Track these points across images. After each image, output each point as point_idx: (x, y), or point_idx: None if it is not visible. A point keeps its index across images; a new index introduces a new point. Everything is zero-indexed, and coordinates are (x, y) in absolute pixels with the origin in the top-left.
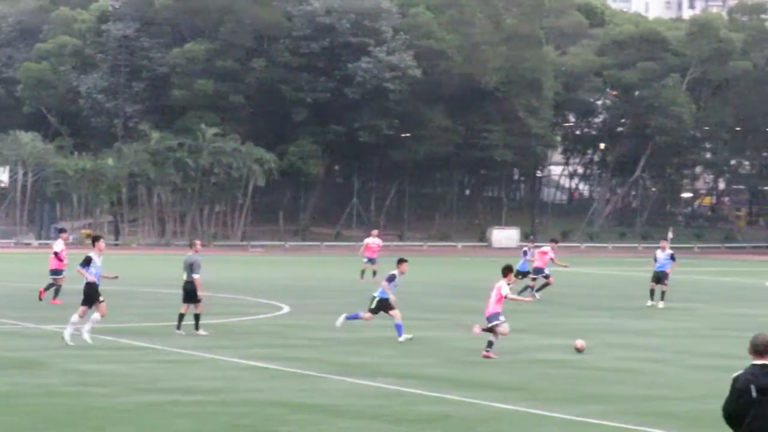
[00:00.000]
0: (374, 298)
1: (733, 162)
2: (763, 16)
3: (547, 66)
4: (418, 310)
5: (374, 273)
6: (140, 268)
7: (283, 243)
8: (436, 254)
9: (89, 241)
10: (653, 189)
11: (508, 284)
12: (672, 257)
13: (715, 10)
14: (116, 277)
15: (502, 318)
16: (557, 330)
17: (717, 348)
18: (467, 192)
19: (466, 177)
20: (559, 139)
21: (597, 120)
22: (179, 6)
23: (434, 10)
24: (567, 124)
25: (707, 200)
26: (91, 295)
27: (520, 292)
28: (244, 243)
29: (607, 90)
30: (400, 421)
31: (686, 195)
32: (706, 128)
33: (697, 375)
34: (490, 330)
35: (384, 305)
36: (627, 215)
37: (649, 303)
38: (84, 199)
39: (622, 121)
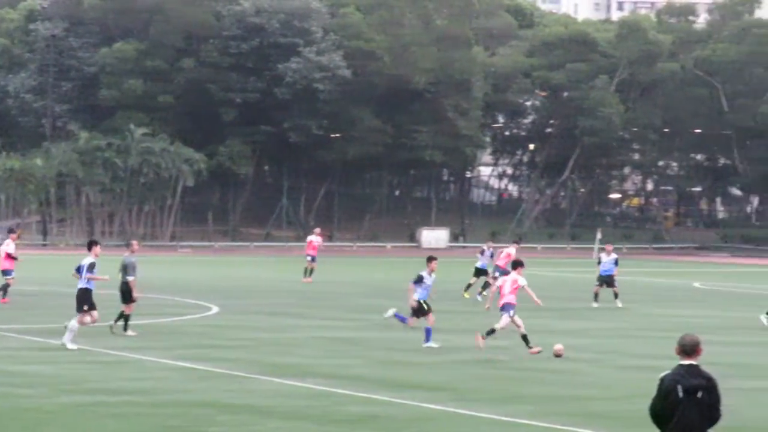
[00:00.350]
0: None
1: (661, 163)
2: (691, 17)
3: (476, 67)
4: (346, 311)
5: (308, 271)
6: (68, 269)
7: (212, 243)
8: (365, 255)
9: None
10: (582, 190)
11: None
12: (616, 261)
13: (643, 11)
14: (107, 279)
15: (512, 312)
16: (484, 330)
17: (646, 348)
18: (397, 192)
19: (395, 177)
20: (488, 139)
21: (526, 121)
22: (108, 5)
23: (364, 10)
24: (496, 125)
25: (635, 201)
26: (85, 301)
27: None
28: (173, 243)
29: (536, 91)
30: (328, 422)
31: (615, 196)
32: (635, 129)
33: (625, 375)
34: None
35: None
36: (556, 216)
37: (595, 305)
38: (11, 199)
39: (551, 122)
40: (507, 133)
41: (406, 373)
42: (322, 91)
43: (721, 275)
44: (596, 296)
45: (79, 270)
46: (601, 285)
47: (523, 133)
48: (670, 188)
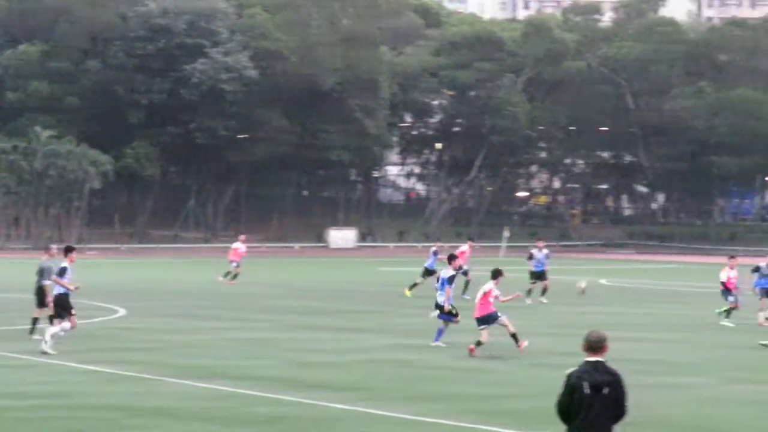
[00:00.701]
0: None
1: (567, 161)
2: (596, 16)
3: (383, 66)
4: (255, 312)
5: (232, 275)
6: None
7: (119, 246)
8: (273, 255)
9: None
10: (489, 188)
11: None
12: (547, 257)
13: (549, 10)
14: (77, 288)
15: (501, 315)
16: (395, 330)
17: (554, 345)
18: (304, 193)
19: (303, 178)
20: (395, 139)
21: (433, 120)
22: (12, 6)
23: (270, 11)
24: (403, 125)
25: (542, 199)
26: (63, 307)
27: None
28: (80, 246)
29: (443, 90)
30: (237, 423)
31: (522, 194)
32: (541, 128)
33: (534, 372)
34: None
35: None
36: (463, 214)
37: (528, 301)
38: None
39: (458, 121)
40: (414, 132)
41: (316, 373)
42: (228, 92)
43: (627, 272)
44: (529, 292)
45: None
46: (534, 282)
47: (431, 133)
48: (576, 186)
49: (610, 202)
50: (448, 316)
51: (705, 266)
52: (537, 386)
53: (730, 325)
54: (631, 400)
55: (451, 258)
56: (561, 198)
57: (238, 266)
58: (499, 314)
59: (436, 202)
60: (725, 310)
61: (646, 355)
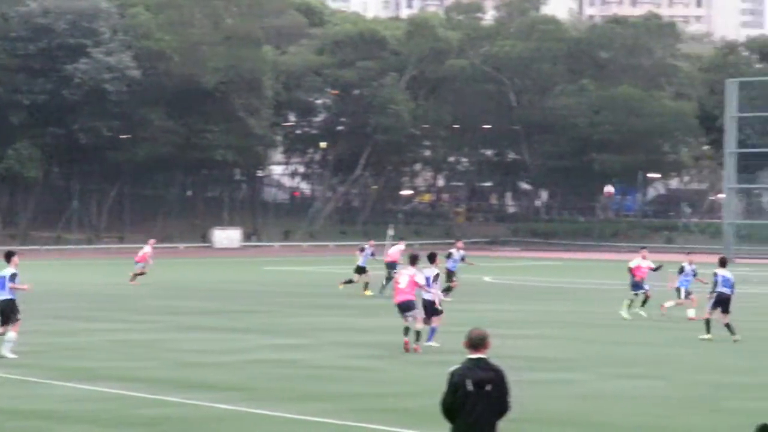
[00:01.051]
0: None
1: (451, 159)
2: (478, 14)
3: (266, 66)
4: (139, 313)
5: (134, 275)
6: None
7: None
8: (158, 256)
9: None
10: (374, 187)
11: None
12: (462, 257)
13: (432, 9)
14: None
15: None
16: (280, 329)
17: (439, 343)
18: (189, 193)
19: (187, 177)
20: (279, 138)
21: (317, 119)
22: None
23: (153, 10)
24: (287, 124)
25: (426, 197)
26: (12, 312)
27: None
28: None
29: (327, 89)
30: (120, 425)
31: (406, 192)
32: (425, 126)
33: (419, 371)
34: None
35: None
36: (348, 213)
37: (449, 299)
38: None
39: (342, 120)
40: (298, 131)
41: (201, 374)
42: (111, 92)
43: (511, 269)
44: (449, 290)
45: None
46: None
47: (315, 132)
48: (460, 184)
49: (494, 199)
50: (436, 313)
51: (589, 262)
52: (421, 384)
53: (644, 314)
54: (516, 397)
55: (432, 257)
56: (445, 196)
57: (144, 267)
58: (416, 306)
59: (321, 201)
60: (639, 301)
61: (527, 352)
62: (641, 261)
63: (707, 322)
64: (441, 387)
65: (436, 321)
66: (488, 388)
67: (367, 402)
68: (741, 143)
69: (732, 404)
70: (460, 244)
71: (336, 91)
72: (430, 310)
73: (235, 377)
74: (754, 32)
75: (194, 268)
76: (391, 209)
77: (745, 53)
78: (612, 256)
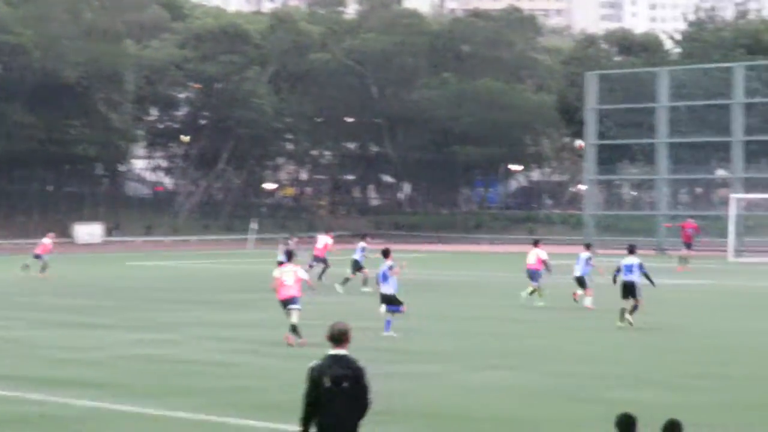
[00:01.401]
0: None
1: (314, 152)
2: (340, 8)
3: (127, 60)
4: (2, 309)
5: (40, 267)
6: None
7: None
8: (19, 252)
9: None
10: (237, 181)
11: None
12: (363, 249)
13: (294, 3)
14: None
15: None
16: (147, 325)
17: (306, 337)
18: (49, 188)
19: (48, 173)
20: (141, 133)
21: (180, 113)
22: None
23: (12, 4)
24: (149, 118)
25: (289, 191)
26: None
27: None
28: None
29: (190, 83)
30: None
31: (269, 186)
32: (288, 120)
33: (284, 364)
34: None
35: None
36: (211, 208)
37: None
38: None
39: (205, 114)
40: (161, 126)
41: (65, 371)
42: None
43: (375, 261)
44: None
45: None
46: (355, 272)
47: (177, 126)
48: (323, 177)
49: (357, 192)
50: (395, 306)
51: (452, 255)
52: (288, 378)
53: (541, 303)
54: (382, 390)
55: (386, 252)
56: (308, 189)
57: (40, 258)
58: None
59: (184, 196)
60: (530, 292)
61: (396, 344)
62: (540, 253)
63: (621, 310)
64: (299, 381)
65: (393, 314)
66: (345, 385)
67: (232, 396)
68: (601, 135)
69: (593, 394)
70: (368, 239)
71: (198, 85)
72: (389, 302)
73: (100, 373)
74: (613, 25)
75: (56, 264)
76: (254, 203)
77: (605, 46)
78: (475, 248)
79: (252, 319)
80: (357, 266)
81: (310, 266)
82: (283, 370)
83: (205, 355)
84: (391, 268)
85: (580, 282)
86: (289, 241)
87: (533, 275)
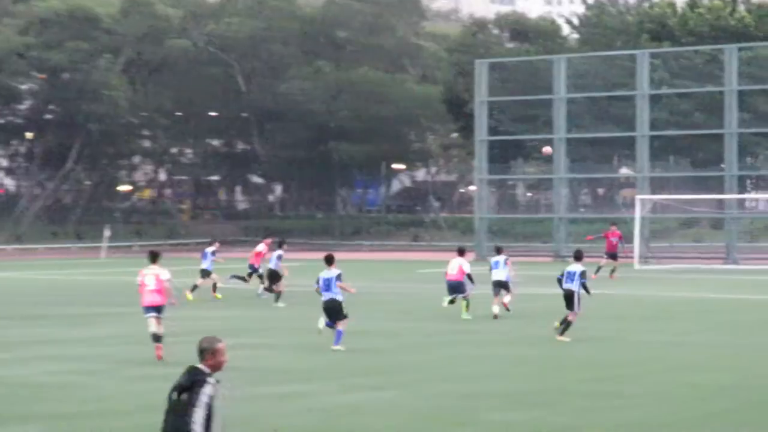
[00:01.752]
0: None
1: (174, 150)
2: None
3: None
4: None
5: None
6: None
7: None
8: None
9: None
10: (87, 182)
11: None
12: (279, 257)
13: None
14: None
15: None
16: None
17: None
18: None
19: None
20: None
21: (22, 107)
22: None
23: None
24: None
25: (146, 193)
26: None
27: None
28: None
29: (33, 73)
30: None
31: (124, 188)
32: (144, 114)
33: (136, 386)
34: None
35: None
36: (59, 213)
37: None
38: None
39: (51, 107)
40: (1, 120)
41: None
42: None
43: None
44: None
45: None
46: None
47: (20, 121)
48: (185, 178)
49: (222, 194)
50: (333, 321)
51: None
52: (135, 401)
53: (467, 317)
54: (244, 413)
55: (329, 259)
56: (168, 191)
57: None
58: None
59: (28, 199)
60: (450, 301)
61: (260, 363)
62: (462, 262)
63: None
64: (154, 403)
65: (340, 324)
66: (174, 396)
67: (76, 422)
68: (492, 130)
69: (478, 416)
70: (285, 246)
71: (43, 75)
72: (334, 313)
73: None
74: (504, 9)
75: None
76: (107, 207)
77: (496, 31)
78: (355, 255)
79: (106, 335)
80: (274, 276)
81: (250, 275)
82: (133, 390)
83: (43, 376)
84: (338, 277)
85: (504, 286)
86: (214, 249)
87: (456, 287)
